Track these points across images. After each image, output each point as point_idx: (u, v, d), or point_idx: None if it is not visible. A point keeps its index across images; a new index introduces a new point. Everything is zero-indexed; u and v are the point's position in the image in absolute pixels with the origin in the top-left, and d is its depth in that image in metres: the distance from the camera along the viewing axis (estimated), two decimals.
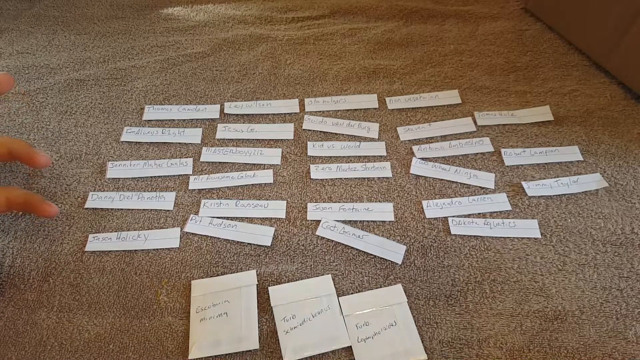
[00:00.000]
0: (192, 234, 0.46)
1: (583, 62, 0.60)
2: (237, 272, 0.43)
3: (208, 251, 0.45)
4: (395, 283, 0.42)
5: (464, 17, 0.67)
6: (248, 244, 0.45)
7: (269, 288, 0.42)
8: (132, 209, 0.48)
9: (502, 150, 0.51)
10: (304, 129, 0.55)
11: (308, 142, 0.53)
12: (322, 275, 0.43)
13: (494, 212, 0.47)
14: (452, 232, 0.45)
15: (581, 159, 0.50)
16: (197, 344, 0.39)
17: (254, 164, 0.52)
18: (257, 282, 0.42)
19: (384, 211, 0.47)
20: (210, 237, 0.46)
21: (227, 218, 0.47)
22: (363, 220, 0.46)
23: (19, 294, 0.42)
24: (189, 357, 0.38)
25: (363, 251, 0.44)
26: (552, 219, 0.46)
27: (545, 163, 0.50)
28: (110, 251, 0.45)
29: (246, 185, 0.50)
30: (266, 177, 0.50)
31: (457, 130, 0.54)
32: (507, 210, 0.47)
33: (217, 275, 0.43)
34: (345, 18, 0.69)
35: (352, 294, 0.41)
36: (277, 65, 0.62)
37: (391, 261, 0.43)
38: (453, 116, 0.55)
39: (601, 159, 0.50)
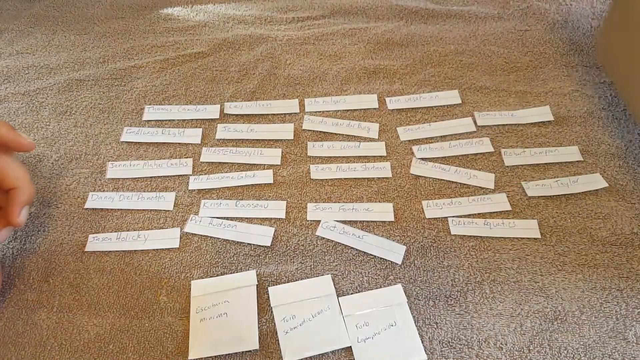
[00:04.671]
0: (192, 234, 0.46)
1: (583, 63, 0.60)
2: (237, 272, 0.43)
3: (208, 251, 0.45)
4: (395, 283, 0.42)
5: (464, 17, 0.67)
6: (248, 244, 0.45)
7: (269, 288, 0.42)
8: (132, 209, 0.48)
9: (502, 151, 0.51)
10: (303, 129, 0.55)
11: (308, 142, 0.53)
12: (322, 275, 0.43)
13: (494, 212, 0.47)
14: (452, 232, 0.45)
15: (581, 159, 0.50)
16: (197, 344, 0.39)
17: (254, 164, 0.52)
18: (257, 282, 0.42)
19: (383, 211, 0.47)
20: (210, 237, 0.46)
21: (227, 218, 0.47)
22: (363, 221, 0.46)
23: (19, 294, 0.42)
24: (189, 357, 0.38)
25: (363, 251, 0.44)
26: (552, 219, 0.46)
27: (545, 163, 0.50)
28: (110, 251, 0.45)
29: (246, 185, 0.50)
30: (266, 177, 0.50)
31: (457, 130, 0.54)
32: (506, 211, 0.47)
33: (217, 275, 0.43)
34: (345, 18, 0.69)
35: (352, 294, 0.41)
36: (277, 66, 0.62)
37: (391, 261, 0.43)
38: (453, 116, 0.55)
39: (601, 159, 0.50)
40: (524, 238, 0.44)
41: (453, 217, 0.46)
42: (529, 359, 0.37)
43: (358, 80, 0.60)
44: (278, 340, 0.39)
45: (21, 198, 0.40)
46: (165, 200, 0.48)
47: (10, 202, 0.40)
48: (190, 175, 0.51)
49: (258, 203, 0.48)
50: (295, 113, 0.57)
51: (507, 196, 0.48)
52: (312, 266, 0.43)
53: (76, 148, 0.53)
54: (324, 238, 0.45)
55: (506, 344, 0.38)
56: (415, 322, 0.39)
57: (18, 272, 0.44)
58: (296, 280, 0.42)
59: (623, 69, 0.52)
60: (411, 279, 0.42)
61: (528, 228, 0.45)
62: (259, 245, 0.45)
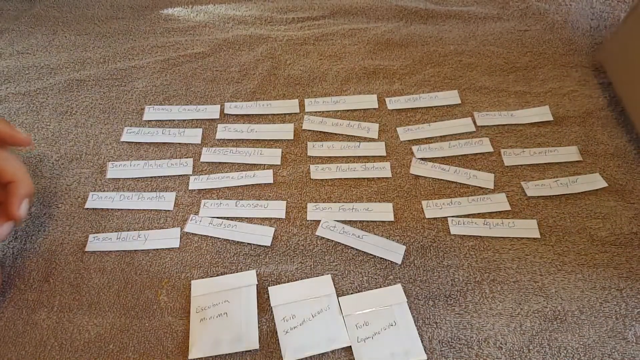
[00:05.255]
0: (192, 234, 0.46)
1: (582, 63, 0.60)
2: (237, 272, 0.43)
3: (208, 251, 0.45)
4: (395, 283, 0.42)
5: (464, 18, 0.67)
6: (248, 244, 0.45)
7: (269, 288, 0.42)
8: (132, 209, 0.48)
9: (502, 151, 0.51)
10: (303, 129, 0.55)
11: (308, 142, 0.53)
12: (322, 275, 0.43)
13: (494, 212, 0.47)
14: (452, 232, 0.45)
15: (580, 159, 0.50)
16: (197, 344, 0.39)
17: (254, 164, 0.52)
18: (257, 282, 0.42)
19: (383, 211, 0.47)
20: (210, 237, 0.46)
21: (227, 218, 0.47)
22: (363, 220, 0.46)
23: (19, 294, 0.42)
24: (189, 357, 0.38)
25: (363, 251, 0.44)
26: (551, 219, 0.46)
27: (545, 163, 0.50)
28: (110, 251, 0.45)
29: (246, 185, 0.50)
30: (266, 177, 0.50)
31: (457, 130, 0.54)
32: (506, 211, 0.47)
33: (217, 275, 0.43)
34: (345, 18, 0.69)
35: (351, 294, 0.41)
36: (277, 66, 0.62)
37: (391, 261, 0.43)
38: (452, 116, 0.55)
39: (600, 159, 0.50)
40: (523, 238, 0.45)
41: (453, 217, 0.46)
42: (529, 359, 0.37)
43: (358, 80, 0.60)
44: (278, 340, 0.39)
45: (20, 191, 0.40)
46: (166, 200, 0.49)
47: (9, 196, 0.40)
48: (191, 175, 0.51)
49: (258, 203, 0.48)
50: (295, 113, 0.57)
51: (507, 196, 0.48)
52: (312, 266, 0.43)
53: (77, 148, 0.54)
54: (323, 238, 0.45)
55: (506, 344, 0.38)
56: (415, 322, 0.39)
57: (18, 272, 0.44)
58: (296, 280, 0.42)
59: (628, 73, 0.52)
60: (411, 278, 0.42)
61: (527, 228, 0.45)
62: (259, 245, 0.45)
